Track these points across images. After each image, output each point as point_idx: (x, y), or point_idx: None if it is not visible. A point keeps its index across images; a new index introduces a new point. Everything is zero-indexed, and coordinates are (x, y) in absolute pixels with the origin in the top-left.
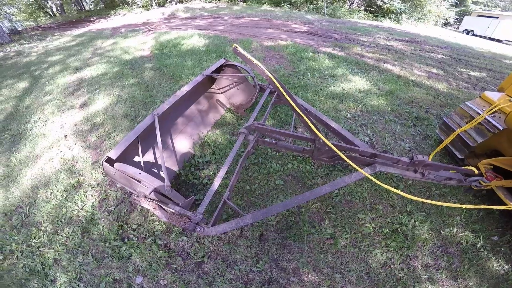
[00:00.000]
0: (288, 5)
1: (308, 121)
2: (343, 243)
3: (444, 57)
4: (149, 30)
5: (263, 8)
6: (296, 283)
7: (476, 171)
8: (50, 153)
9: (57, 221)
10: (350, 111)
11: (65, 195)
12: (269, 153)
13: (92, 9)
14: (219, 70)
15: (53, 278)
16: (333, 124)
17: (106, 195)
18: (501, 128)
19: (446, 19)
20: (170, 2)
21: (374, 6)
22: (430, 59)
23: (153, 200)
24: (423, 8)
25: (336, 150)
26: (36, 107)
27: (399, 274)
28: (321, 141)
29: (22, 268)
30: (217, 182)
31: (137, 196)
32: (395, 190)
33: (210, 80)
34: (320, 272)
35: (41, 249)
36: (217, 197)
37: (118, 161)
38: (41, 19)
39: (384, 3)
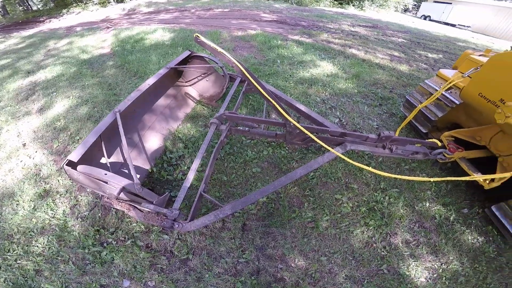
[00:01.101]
0: None
1: (277, 106)
2: (324, 225)
3: (405, 41)
4: (108, 27)
5: None
6: (284, 269)
7: (440, 144)
8: (9, 164)
9: (29, 232)
10: (319, 95)
11: (33, 205)
12: (244, 141)
13: (40, 8)
14: (185, 62)
15: None
16: (303, 108)
17: (77, 200)
18: (457, 102)
19: (405, 5)
20: None
21: None
22: (392, 43)
23: (125, 200)
24: None
25: (306, 131)
26: None
27: (382, 253)
28: (291, 124)
29: (4, 282)
30: (191, 176)
31: (108, 198)
32: (367, 168)
33: (176, 73)
34: (306, 257)
35: (18, 261)
36: (194, 191)
37: (81, 163)
38: None
39: None
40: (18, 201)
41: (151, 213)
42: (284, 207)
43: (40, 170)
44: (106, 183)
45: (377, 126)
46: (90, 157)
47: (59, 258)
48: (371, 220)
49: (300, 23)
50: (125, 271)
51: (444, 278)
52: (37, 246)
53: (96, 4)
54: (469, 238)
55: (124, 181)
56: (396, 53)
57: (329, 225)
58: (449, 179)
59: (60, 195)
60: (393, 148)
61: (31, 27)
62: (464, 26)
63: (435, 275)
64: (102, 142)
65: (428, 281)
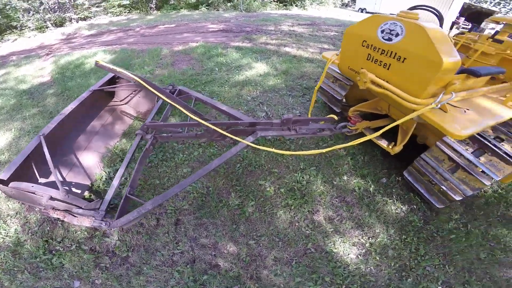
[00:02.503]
0: (206, 7)
1: (182, 108)
2: (250, 210)
3: (337, 34)
4: (48, 54)
5: (181, 13)
6: (218, 256)
7: (336, 118)
8: None
9: None
10: (250, 94)
11: None
12: (175, 147)
13: None
14: (113, 82)
15: None
16: (223, 107)
17: (26, 219)
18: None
19: (342, 0)
20: (70, 20)
21: None
22: (324, 37)
23: (58, 209)
24: None
25: (213, 127)
26: None
27: (307, 231)
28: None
29: None
30: (115, 181)
31: (44, 209)
32: (268, 149)
33: (109, 94)
34: (237, 242)
35: None
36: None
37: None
38: None
39: None
40: None
41: (82, 216)
42: (213, 199)
43: None
44: (34, 193)
45: (299, 114)
46: (26, 177)
47: (15, 269)
48: (290, 199)
49: (244, 29)
50: (74, 273)
51: (373, 253)
52: None
53: (33, 30)
54: (392, 208)
55: (52, 191)
56: (326, 46)
57: (254, 210)
58: (338, 147)
59: (11, 217)
60: (297, 129)
61: None
62: (395, 14)
63: (364, 251)
64: (33, 163)
65: (358, 257)
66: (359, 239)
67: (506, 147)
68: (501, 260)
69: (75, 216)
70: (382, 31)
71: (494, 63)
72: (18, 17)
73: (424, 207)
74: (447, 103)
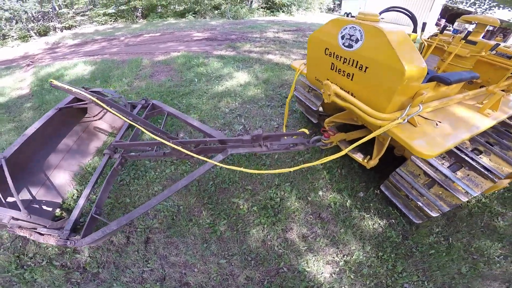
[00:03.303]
0: (193, 15)
1: (142, 128)
2: (222, 229)
3: None
4: (29, 65)
5: (167, 22)
6: (188, 275)
7: (307, 132)
8: None
9: None
10: (228, 105)
11: None
12: (147, 164)
13: None
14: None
15: None
16: (195, 123)
17: None
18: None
19: (328, 6)
20: (54, 29)
21: (269, 2)
22: None
23: (24, 228)
24: None
25: (176, 147)
26: None
27: (280, 250)
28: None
29: None
30: (81, 201)
31: (10, 227)
32: (236, 168)
33: (82, 110)
34: (207, 261)
35: None
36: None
37: None
38: None
39: None
40: None
41: (47, 235)
42: (184, 218)
43: None
44: None
45: (277, 126)
46: None
47: None
48: (263, 218)
49: (230, 37)
50: (46, 287)
51: (348, 271)
52: None
53: (16, 39)
54: (370, 223)
55: (13, 212)
56: None
57: (226, 228)
58: (305, 165)
59: None
60: (268, 145)
61: None
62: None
63: (338, 269)
64: None
65: (332, 276)
66: (333, 257)
67: (484, 160)
68: (484, 273)
69: (41, 235)
70: (342, 37)
71: (469, 66)
72: (0, 26)
73: (404, 221)
74: (419, 116)
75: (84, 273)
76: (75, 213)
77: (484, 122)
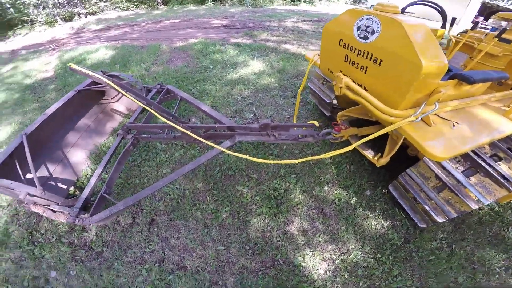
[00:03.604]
0: (213, 2)
1: (154, 112)
2: (224, 216)
3: None
4: (54, 49)
5: (187, 8)
6: (186, 258)
7: (317, 124)
8: None
9: None
10: (241, 93)
11: None
12: (159, 147)
13: None
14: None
15: None
16: (206, 109)
17: (16, 211)
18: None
19: None
20: (79, 15)
21: None
22: None
23: (38, 204)
24: None
25: (185, 131)
26: None
27: (278, 242)
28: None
29: None
30: (93, 180)
31: (26, 203)
32: (242, 155)
33: (100, 92)
34: (206, 246)
35: None
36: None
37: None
38: None
39: None
40: None
41: (59, 212)
42: (188, 202)
43: None
44: (13, 190)
45: (288, 116)
46: (10, 173)
47: (1, 258)
48: (265, 208)
49: (247, 25)
50: (52, 264)
51: (343, 270)
52: None
53: (43, 24)
54: (373, 223)
55: (29, 188)
56: None
57: (228, 215)
58: (311, 158)
59: (3, 208)
60: (276, 135)
61: None
62: (408, 12)
63: (333, 267)
64: (16, 160)
65: (327, 273)
66: (330, 254)
67: (502, 167)
68: (481, 284)
69: (53, 212)
70: (358, 28)
71: (500, 66)
72: (29, 12)
73: (408, 224)
74: (435, 115)
75: (89, 251)
76: (86, 192)
77: (508, 127)
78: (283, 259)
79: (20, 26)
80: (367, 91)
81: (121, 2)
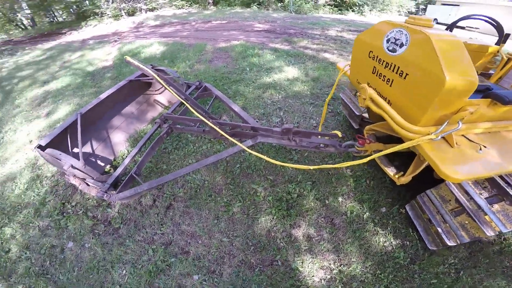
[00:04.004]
0: (257, 5)
1: (189, 106)
2: (235, 210)
3: None
4: (116, 41)
5: (234, 10)
6: (192, 244)
7: (340, 135)
8: (17, 155)
9: (17, 206)
10: (271, 97)
11: (26, 186)
12: (189, 138)
13: (63, 20)
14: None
15: (7, 249)
16: (236, 108)
17: (57, 182)
18: None
19: (408, 9)
20: (140, 10)
21: (338, 0)
22: None
23: (76, 177)
24: None
25: (213, 126)
26: (7, 119)
27: (281, 244)
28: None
29: None
30: (127, 160)
31: (66, 175)
32: (262, 156)
33: (146, 84)
34: (212, 236)
35: (2, 228)
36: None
37: (52, 148)
38: (13, 32)
39: None
40: (17, 183)
41: (92, 186)
42: (205, 192)
43: (37, 161)
44: (60, 160)
45: (315, 125)
46: (61, 146)
47: (30, 224)
48: (275, 209)
49: (288, 31)
50: (72, 235)
51: (338, 281)
52: (19, 216)
53: (110, 17)
54: (381, 240)
55: (73, 160)
56: None
57: (239, 210)
58: (326, 166)
59: (47, 178)
60: (297, 140)
61: (53, 39)
62: (472, 27)
63: (329, 276)
64: (69, 135)
65: (321, 282)
66: (329, 264)
67: None
68: None
69: (88, 185)
70: (388, 41)
71: None
72: (100, 4)
73: (419, 246)
74: (463, 136)
75: (107, 227)
76: (118, 170)
77: None
78: (282, 260)
79: (91, 17)
80: (390, 105)
81: (177, 0)
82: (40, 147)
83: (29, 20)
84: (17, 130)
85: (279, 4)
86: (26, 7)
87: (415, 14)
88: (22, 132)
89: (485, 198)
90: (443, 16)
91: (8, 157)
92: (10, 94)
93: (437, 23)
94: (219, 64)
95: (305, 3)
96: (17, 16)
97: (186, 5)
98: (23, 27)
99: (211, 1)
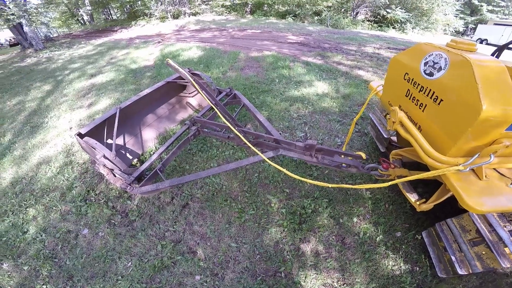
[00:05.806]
0: (293, 17)
1: (218, 112)
2: (247, 217)
3: None
4: (159, 42)
5: (269, 20)
6: (200, 245)
7: (364, 156)
8: (56, 140)
9: (46, 188)
10: (298, 111)
11: (58, 170)
12: (214, 142)
13: (117, 19)
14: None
15: (26, 230)
16: (261, 118)
17: (86, 170)
18: None
19: (455, 28)
20: (184, 14)
21: (378, 16)
22: None
23: (106, 166)
24: (429, 17)
25: (238, 134)
26: (54, 106)
27: (287, 256)
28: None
29: (7, 224)
30: (154, 156)
31: (97, 164)
32: (281, 169)
33: (181, 86)
34: (221, 240)
35: (28, 209)
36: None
37: (89, 136)
38: (73, 27)
39: (388, 12)
40: (50, 166)
41: (118, 177)
42: (222, 196)
43: (73, 146)
44: (95, 149)
45: (340, 143)
46: (98, 136)
47: (53, 208)
48: (286, 221)
49: (322, 45)
50: (90, 222)
51: None
52: (46, 199)
53: (157, 18)
54: (390, 263)
55: (106, 151)
56: None
57: (251, 218)
58: (344, 186)
59: (78, 164)
60: (319, 157)
61: (106, 36)
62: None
63: None
64: (106, 127)
65: None
66: (333, 282)
67: None
68: None
69: (114, 176)
70: (426, 64)
71: None
72: (150, 6)
73: (429, 272)
74: (494, 169)
75: (124, 218)
76: (145, 165)
77: None
78: (285, 272)
79: (141, 17)
80: (421, 131)
81: (217, 6)
82: (79, 134)
83: (88, 16)
84: (60, 117)
85: (316, 17)
86: (88, 4)
87: (462, 34)
88: (64, 119)
89: (508, 231)
90: (495, 37)
91: (48, 140)
92: (61, 84)
93: (487, 44)
94: (249, 73)
95: (343, 18)
96: (79, 11)
97: (226, 12)
98: (82, 22)
99: (248, 10)
